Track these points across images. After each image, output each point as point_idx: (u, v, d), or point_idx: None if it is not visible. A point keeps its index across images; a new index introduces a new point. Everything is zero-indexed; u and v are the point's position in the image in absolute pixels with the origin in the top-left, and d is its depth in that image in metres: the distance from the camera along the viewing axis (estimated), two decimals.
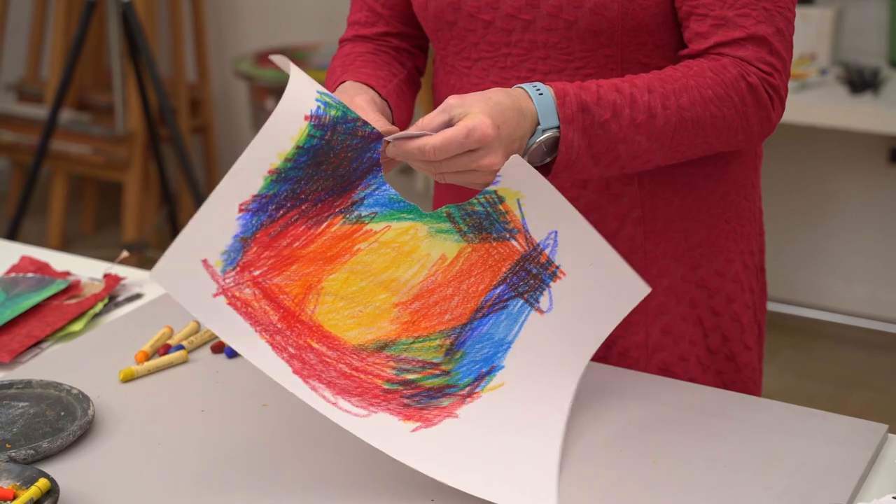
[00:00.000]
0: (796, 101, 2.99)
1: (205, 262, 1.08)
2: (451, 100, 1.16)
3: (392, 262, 1.17)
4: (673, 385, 1.33)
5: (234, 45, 4.32)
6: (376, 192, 1.16)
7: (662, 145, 1.24)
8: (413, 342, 1.19)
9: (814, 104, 3.01)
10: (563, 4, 1.29)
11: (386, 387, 1.17)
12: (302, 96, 1.11)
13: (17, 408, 1.26)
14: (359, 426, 1.13)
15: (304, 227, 1.13)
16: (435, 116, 1.15)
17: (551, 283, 1.20)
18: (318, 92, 1.13)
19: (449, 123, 1.15)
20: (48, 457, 1.18)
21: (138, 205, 3.81)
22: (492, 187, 1.16)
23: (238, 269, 1.09)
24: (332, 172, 1.13)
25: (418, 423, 1.16)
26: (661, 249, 1.39)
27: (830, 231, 3.54)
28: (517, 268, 1.19)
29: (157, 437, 1.22)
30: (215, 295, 1.08)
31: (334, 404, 1.13)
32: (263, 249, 1.11)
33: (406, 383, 1.18)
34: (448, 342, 1.20)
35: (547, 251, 1.19)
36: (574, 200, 1.35)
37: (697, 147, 1.27)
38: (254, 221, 1.10)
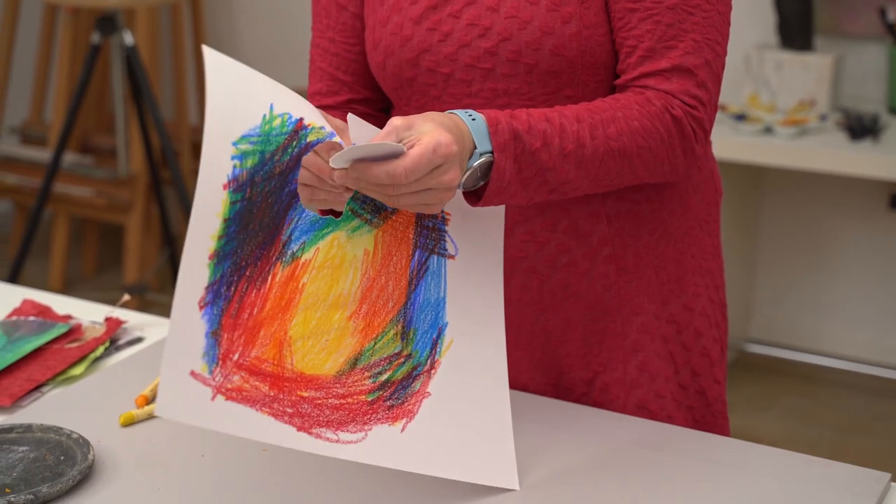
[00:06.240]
0: (796, 146, 3.00)
1: (192, 373, 1.06)
2: (397, 121, 1.13)
3: (332, 279, 1.18)
4: (672, 431, 1.32)
5: None
6: (299, 223, 1.16)
7: (589, 174, 1.25)
8: (374, 344, 1.20)
9: (814, 150, 3.02)
10: (521, 49, 1.30)
11: (369, 399, 1.18)
12: (218, 162, 1.08)
13: (17, 452, 1.25)
14: (358, 452, 1.15)
15: (254, 292, 1.12)
16: (382, 139, 1.12)
17: (446, 228, 1.23)
18: (234, 144, 1.09)
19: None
20: (48, 502, 1.18)
21: (140, 247, 3.81)
22: None
23: (220, 363, 1.08)
24: (259, 227, 1.12)
25: (405, 420, 1.18)
26: (634, 286, 1.40)
27: (831, 276, 3.54)
28: (419, 228, 1.22)
29: (156, 482, 1.22)
30: (213, 398, 1.07)
31: (337, 441, 1.14)
32: (232, 332, 1.09)
33: (383, 386, 1.19)
34: (399, 327, 1.21)
35: None
36: (544, 244, 1.37)
37: (624, 176, 1.29)
38: (215, 312, 1.08)
